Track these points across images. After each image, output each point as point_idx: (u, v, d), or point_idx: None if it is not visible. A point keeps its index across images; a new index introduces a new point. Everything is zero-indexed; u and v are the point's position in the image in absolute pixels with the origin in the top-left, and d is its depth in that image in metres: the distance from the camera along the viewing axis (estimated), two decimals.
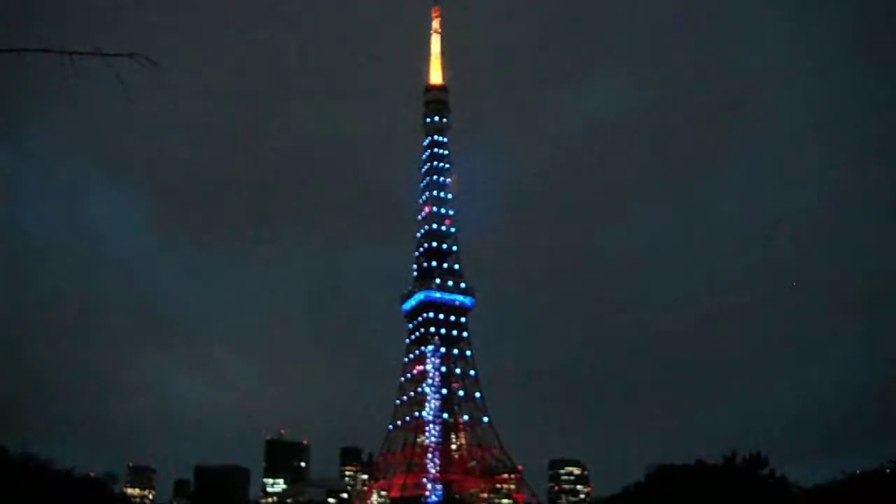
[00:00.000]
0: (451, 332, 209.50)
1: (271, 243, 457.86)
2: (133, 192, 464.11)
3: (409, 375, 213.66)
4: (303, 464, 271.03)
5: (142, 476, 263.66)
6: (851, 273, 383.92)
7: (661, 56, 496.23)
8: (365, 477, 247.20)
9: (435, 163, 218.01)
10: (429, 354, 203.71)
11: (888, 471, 78.72)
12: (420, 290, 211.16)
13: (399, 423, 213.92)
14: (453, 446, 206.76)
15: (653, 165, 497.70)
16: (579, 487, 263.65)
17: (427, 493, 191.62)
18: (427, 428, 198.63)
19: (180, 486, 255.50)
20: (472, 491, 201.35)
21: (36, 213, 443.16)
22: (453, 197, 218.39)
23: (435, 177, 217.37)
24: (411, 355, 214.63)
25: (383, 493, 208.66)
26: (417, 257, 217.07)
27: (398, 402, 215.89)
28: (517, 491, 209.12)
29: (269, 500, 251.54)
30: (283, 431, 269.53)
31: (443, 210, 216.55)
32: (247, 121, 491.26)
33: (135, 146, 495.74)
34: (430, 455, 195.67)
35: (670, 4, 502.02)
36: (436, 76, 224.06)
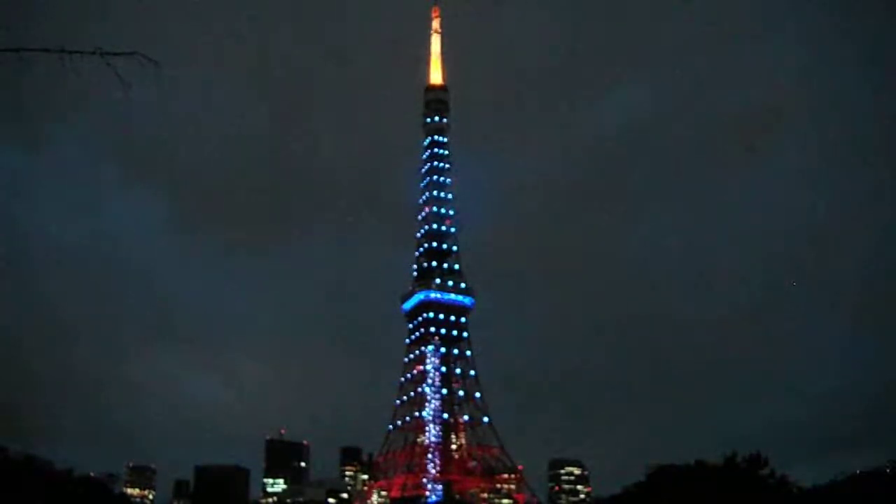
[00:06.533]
0: (451, 332, 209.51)
1: (277, 245, 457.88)
2: (151, 195, 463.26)
3: (409, 375, 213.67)
4: (303, 464, 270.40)
5: (142, 476, 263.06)
6: (853, 274, 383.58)
7: (665, 63, 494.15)
8: (365, 477, 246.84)
9: (435, 163, 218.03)
10: (429, 354, 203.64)
11: (888, 471, 78.96)
12: (420, 290, 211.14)
13: (399, 423, 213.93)
14: (453, 446, 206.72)
15: (657, 170, 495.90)
16: (579, 487, 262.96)
17: (427, 493, 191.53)
18: (427, 428, 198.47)
19: (180, 486, 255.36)
20: (472, 491, 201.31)
21: (54, 216, 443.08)
22: (453, 197, 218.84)
23: (435, 177, 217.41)
24: (411, 355, 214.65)
25: (383, 493, 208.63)
26: (417, 257, 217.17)
27: (398, 402, 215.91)
28: (517, 491, 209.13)
29: (269, 500, 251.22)
30: (283, 431, 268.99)
31: (443, 210, 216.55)
32: (262, 126, 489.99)
33: (154, 150, 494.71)
34: (430, 455, 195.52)
35: (675, 11, 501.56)
36: (436, 76, 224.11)
